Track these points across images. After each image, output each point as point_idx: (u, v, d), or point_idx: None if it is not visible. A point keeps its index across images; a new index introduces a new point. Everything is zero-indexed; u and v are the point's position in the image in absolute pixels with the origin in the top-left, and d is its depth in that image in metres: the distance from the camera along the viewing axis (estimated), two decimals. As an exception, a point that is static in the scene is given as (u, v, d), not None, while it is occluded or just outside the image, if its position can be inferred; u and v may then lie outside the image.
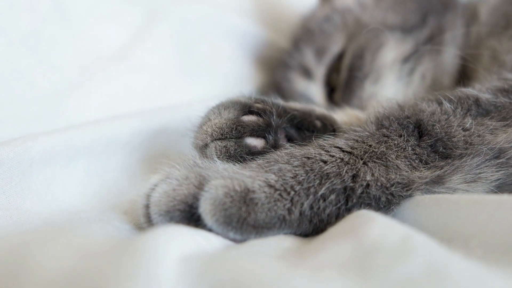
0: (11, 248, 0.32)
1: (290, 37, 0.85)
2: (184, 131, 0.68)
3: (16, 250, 0.32)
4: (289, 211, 0.37)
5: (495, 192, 0.41)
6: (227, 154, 0.45)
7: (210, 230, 0.37)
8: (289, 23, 0.88)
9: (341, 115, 0.57)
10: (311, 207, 0.38)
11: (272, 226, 0.37)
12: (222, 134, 0.46)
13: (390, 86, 0.70)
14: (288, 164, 0.40)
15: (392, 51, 0.70)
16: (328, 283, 0.27)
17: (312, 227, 0.38)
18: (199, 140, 0.47)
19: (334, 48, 0.74)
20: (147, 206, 0.39)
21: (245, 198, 0.36)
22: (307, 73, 0.77)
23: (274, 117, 0.46)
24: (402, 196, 0.39)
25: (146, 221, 0.39)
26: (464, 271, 0.27)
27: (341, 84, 0.72)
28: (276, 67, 0.83)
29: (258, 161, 0.41)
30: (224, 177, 0.38)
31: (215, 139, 0.46)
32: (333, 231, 0.36)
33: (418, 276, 0.27)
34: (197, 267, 0.29)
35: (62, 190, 0.53)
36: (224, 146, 0.45)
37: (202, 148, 0.47)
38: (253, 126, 0.46)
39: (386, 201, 0.39)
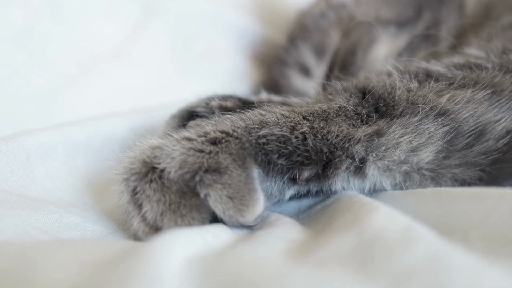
0: (14, 253, 0.32)
1: (287, 34, 0.85)
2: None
3: (19, 256, 0.31)
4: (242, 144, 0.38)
5: (446, 149, 0.41)
6: None
7: None
8: (286, 19, 0.88)
9: None
10: (257, 143, 0.38)
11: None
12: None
13: None
14: (224, 118, 0.41)
15: (384, 46, 0.71)
16: (329, 278, 0.27)
17: (261, 162, 0.39)
18: None
19: (332, 45, 0.74)
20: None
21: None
22: (305, 71, 0.77)
23: (217, 113, 0.47)
24: (346, 148, 0.39)
25: None
26: (464, 263, 0.27)
27: (335, 79, 0.73)
28: (273, 63, 0.83)
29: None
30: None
31: None
32: (337, 222, 0.36)
33: (418, 267, 0.27)
34: (202, 266, 0.29)
35: (67, 185, 0.53)
36: None
37: None
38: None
39: (329, 152, 0.39)
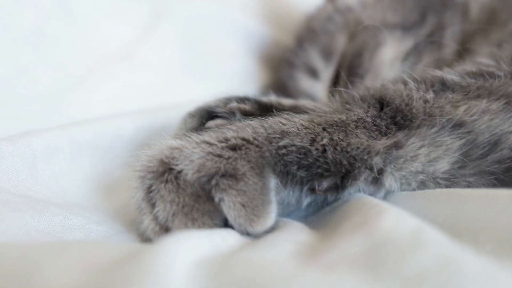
0: (16, 256, 0.31)
1: (295, 36, 0.85)
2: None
3: (21, 259, 0.31)
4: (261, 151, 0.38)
5: (462, 160, 0.41)
6: None
7: None
8: (294, 22, 0.89)
9: None
10: (277, 152, 0.38)
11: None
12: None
13: None
14: (245, 125, 0.41)
15: (390, 49, 0.71)
16: (339, 281, 0.27)
17: (280, 172, 0.39)
18: None
19: (339, 48, 0.75)
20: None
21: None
22: (313, 73, 0.77)
23: (238, 116, 0.48)
24: (366, 160, 0.40)
25: None
26: (474, 265, 0.27)
27: (342, 82, 0.73)
28: (281, 65, 0.83)
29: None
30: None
31: None
32: (346, 224, 0.36)
33: (429, 270, 0.27)
34: (210, 268, 0.29)
35: (71, 185, 0.53)
36: None
37: None
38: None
39: (349, 164, 0.39)
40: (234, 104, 0.49)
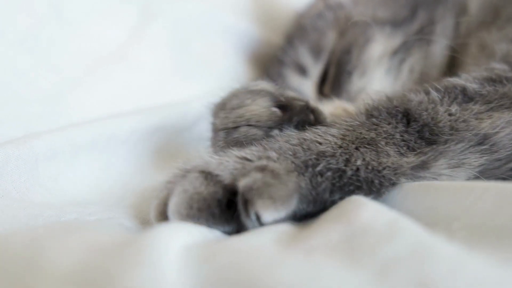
0: (24, 243, 0.33)
1: (284, 34, 0.86)
2: (181, 127, 0.70)
3: (29, 245, 0.33)
4: (298, 178, 0.38)
5: (478, 177, 0.43)
6: (252, 140, 0.46)
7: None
8: (283, 21, 0.90)
9: (328, 107, 0.59)
10: (310, 181, 0.39)
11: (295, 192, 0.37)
12: (258, 121, 0.47)
13: (378, 80, 0.71)
14: (287, 142, 0.42)
15: (380, 45, 0.72)
16: (319, 264, 0.29)
17: (312, 200, 0.39)
18: (231, 122, 0.48)
19: (328, 45, 0.76)
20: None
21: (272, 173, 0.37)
22: (302, 71, 0.78)
23: (295, 112, 0.49)
24: (392, 180, 0.41)
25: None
26: (446, 251, 0.29)
27: (330, 78, 0.74)
28: (270, 63, 0.84)
29: (261, 142, 0.43)
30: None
31: (249, 125, 0.47)
32: (326, 216, 0.38)
33: (403, 256, 0.29)
34: (199, 254, 0.31)
35: (69, 184, 0.55)
36: (254, 133, 0.47)
37: (230, 130, 0.48)
38: (281, 120, 0.48)
39: (379, 184, 0.40)
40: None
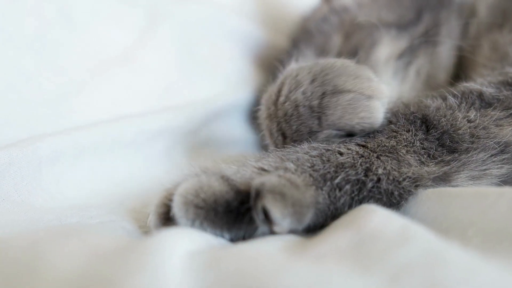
0: (25, 246, 0.33)
1: (290, 37, 0.86)
2: (187, 131, 0.69)
3: (29, 249, 0.32)
4: (316, 193, 0.37)
5: (499, 186, 0.42)
6: None
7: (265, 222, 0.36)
8: (289, 24, 0.89)
9: None
10: (329, 195, 0.38)
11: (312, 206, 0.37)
12: None
13: (385, 83, 0.71)
14: (306, 154, 0.41)
15: (386, 48, 0.71)
16: (328, 271, 0.28)
17: (330, 214, 0.38)
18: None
19: (334, 49, 0.75)
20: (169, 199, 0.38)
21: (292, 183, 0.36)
22: None
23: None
24: (412, 192, 0.40)
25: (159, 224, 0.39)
26: (459, 258, 0.28)
27: None
28: (276, 67, 0.84)
29: (277, 153, 0.42)
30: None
31: None
32: (335, 223, 0.37)
33: (415, 262, 0.28)
34: (204, 260, 0.30)
35: (70, 188, 0.55)
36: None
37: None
38: None
39: (398, 196, 0.39)
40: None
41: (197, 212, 0.36)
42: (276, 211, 0.35)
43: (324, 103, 0.44)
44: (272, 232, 0.37)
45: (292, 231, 0.37)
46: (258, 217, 0.36)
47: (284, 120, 0.46)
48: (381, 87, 0.46)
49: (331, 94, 0.44)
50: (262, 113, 0.51)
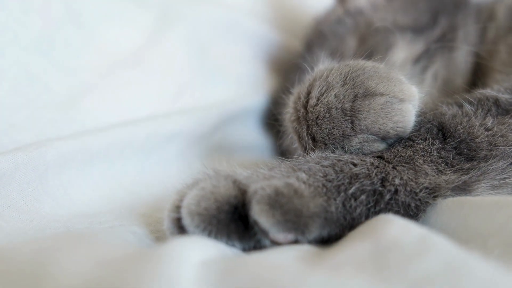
0: (32, 254, 0.33)
1: (303, 40, 0.85)
2: (199, 134, 0.69)
3: (37, 256, 0.32)
4: (328, 203, 0.37)
5: None
6: None
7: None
8: (302, 26, 0.88)
9: None
10: (343, 205, 0.37)
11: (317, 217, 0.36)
12: None
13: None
14: (318, 164, 0.40)
15: (402, 51, 0.70)
16: (345, 281, 0.28)
17: (346, 225, 0.37)
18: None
19: (349, 51, 0.74)
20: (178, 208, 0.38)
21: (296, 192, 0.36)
22: None
23: None
24: (429, 203, 0.39)
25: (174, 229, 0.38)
26: (481, 270, 0.28)
27: None
28: (289, 69, 0.83)
29: (288, 163, 0.41)
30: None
31: None
32: (352, 233, 0.36)
33: (435, 273, 0.27)
34: (218, 270, 0.30)
35: (79, 194, 0.54)
36: None
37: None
38: None
39: (415, 208, 0.38)
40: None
41: (203, 220, 0.36)
42: (263, 221, 0.34)
43: (356, 107, 0.43)
44: (273, 243, 0.36)
45: (299, 242, 0.36)
46: (255, 227, 0.36)
47: (315, 123, 0.45)
48: (413, 90, 0.45)
49: (363, 97, 0.44)
50: (290, 116, 0.50)
